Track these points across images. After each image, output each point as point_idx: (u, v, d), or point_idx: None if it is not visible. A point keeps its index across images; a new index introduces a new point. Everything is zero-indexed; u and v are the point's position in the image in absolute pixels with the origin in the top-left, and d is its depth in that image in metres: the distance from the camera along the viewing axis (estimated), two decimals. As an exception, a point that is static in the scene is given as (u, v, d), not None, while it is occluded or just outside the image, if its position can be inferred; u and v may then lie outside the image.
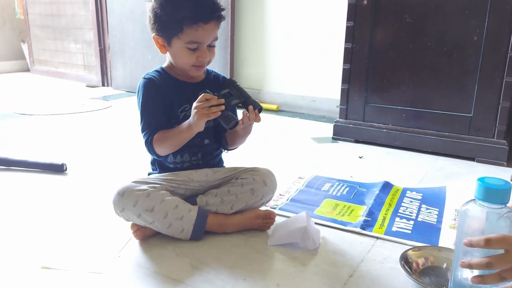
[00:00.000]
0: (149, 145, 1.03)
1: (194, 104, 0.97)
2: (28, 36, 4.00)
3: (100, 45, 3.38)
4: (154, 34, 1.05)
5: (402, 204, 1.28)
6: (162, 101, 1.06)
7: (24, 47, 4.13)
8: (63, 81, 3.69)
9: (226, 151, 1.19)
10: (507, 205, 0.68)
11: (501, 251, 0.64)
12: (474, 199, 0.70)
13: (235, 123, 1.00)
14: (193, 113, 0.97)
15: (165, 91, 1.06)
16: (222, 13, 1.03)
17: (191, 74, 1.08)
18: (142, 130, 1.05)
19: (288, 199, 1.30)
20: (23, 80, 3.80)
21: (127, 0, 3.05)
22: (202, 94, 0.97)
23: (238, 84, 1.06)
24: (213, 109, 0.95)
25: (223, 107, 0.97)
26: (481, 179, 0.69)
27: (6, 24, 4.12)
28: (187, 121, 1.01)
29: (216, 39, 1.05)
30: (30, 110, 2.53)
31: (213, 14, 1.00)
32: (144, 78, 1.07)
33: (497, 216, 0.68)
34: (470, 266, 0.66)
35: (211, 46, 1.05)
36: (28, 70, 4.20)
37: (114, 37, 3.23)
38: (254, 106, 1.01)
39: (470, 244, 0.64)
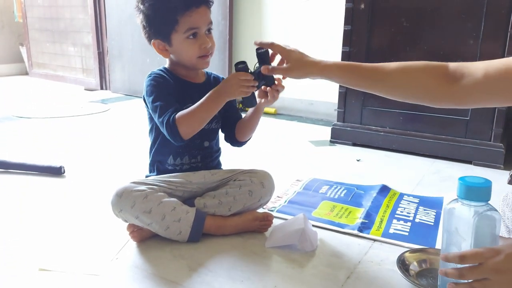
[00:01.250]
0: (172, 124, 0.97)
1: (234, 76, 0.97)
2: (27, 39, 4.01)
3: (98, 48, 3.39)
4: (153, 40, 1.06)
5: (400, 205, 1.29)
6: (172, 91, 1.06)
7: (23, 50, 4.14)
8: (62, 84, 3.70)
9: (237, 146, 1.18)
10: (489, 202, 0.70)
11: None
12: (457, 198, 0.71)
13: (253, 106, 1.07)
14: (230, 83, 0.98)
15: (172, 87, 1.07)
16: None
17: (199, 67, 1.10)
18: (160, 115, 1.00)
19: (285, 201, 1.30)
20: (22, 83, 3.81)
21: (126, 5, 3.06)
22: (243, 71, 0.98)
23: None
24: (250, 89, 0.98)
25: (254, 89, 1.00)
26: (462, 178, 0.71)
27: (5, 27, 4.13)
28: (212, 92, 0.99)
29: (211, 23, 1.07)
30: (29, 113, 2.53)
31: None
32: (150, 74, 1.08)
33: (478, 213, 0.69)
34: (446, 275, 0.68)
35: (208, 32, 1.07)
36: (26, 73, 4.21)
37: (113, 40, 3.24)
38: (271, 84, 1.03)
39: (446, 259, 0.68)
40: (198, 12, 1.02)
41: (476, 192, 0.69)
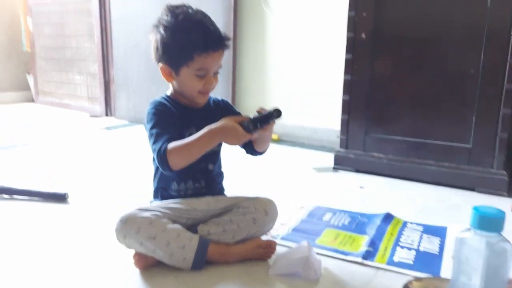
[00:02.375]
0: (162, 154, 0.98)
1: (235, 130, 0.98)
2: (34, 68, 4.08)
3: (104, 77, 3.45)
4: (161, 64, 1.08)
5: (403, 233, 1.28)
6: (172, 120, 1.07)
7: (30, 78, 4.21)
8: (67, 112, 3.74)
9: (257, 155, 1.18)
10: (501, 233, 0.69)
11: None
12: (469, 228, 0.71)
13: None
14: (229, 133, 0.99)
15: (175, 117, 1.08)
16: (228, 42, 1.08)
17: (197, 101, 1.12)
18: (153, 142, 1.01)
19: (289, 228, 1.30)
20: (27, 110, 3.85)
21: (132, 34, 3.13)
22: (244, 129, 0.99)
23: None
24: (243, 140, 1.01)
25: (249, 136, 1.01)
26: (476, 208, 0.71)
27: (13, 56, 4.21)
28: (208, 132, 0.99)
29: (220, 67, 1.10)
30: (34, 139, 2.55)
31: (221, 43, 1.06)
32: (152, 102, 1.10)
33: (491, 244, 0.69)
34: None
35: (215, 73, 1.10)
36: (32, 100, 4.26)
37: (119, 69, 3.30)
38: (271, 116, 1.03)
39: None
40: (213, 56, 1.05)
41: (489, 222, 0.69)
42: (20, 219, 1.38)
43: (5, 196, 1.56)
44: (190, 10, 1.07)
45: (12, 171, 1.92)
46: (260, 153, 1.16)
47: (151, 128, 1.04)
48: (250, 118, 1.01)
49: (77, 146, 2.46)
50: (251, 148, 1.14)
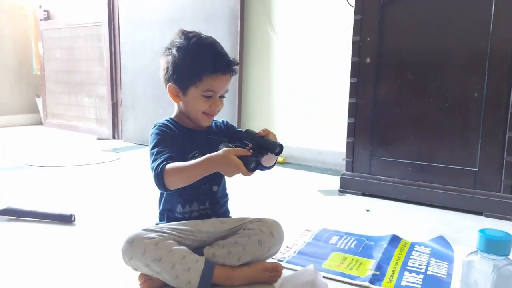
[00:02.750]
0: (160, 172, 0.98)
1: (235, 164, 0.95)
2: (43, 91, 4.16)
3: (112, 99, 3.50)
4: (170, 83, 1.11)
5: (411, 257, 1.27)
6: (175, 141, 1.08)
7: (39, 101, 4.28)
8: (75, 134, 3.78)
9: (265, 170, 1.17)
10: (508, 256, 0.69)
11: None
12: (476, 251, 0.71)
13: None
14: (229, 166, 0.96)
15: (177, 139, 1.10)
16: (236, 68, 1.12)
17: (201, 123, 1.14)
18: (153, 160, 1.02)
19: (295, 251, 1.29)
20: (36, 133, 3.90)
21: (140, 58, 3.20)
22: (246, 164, 0.96)
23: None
24: (244, 173, 0.97)
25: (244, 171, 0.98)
26: (482, 231, 0.71)
27: (23, 79, 4.30)
28: (208, 160, 0.98)
29: (227, 91, 1.13)
30: (41, 161, 2.58)
31: (230, 67, 1.10)
32: (156, 124, 1.13)
33: (498, 267, 0.68)
34: None
35: (221, 97, 1.13)
36: (41, 123, 4.32)
37: (127, 92, 3.35)
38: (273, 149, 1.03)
39: None
40: (221, 79, 1.08)
41: (496, 245, 0.69)
42: (27, 240, 1.39)
43: (12, 217, 1.57)
44: (202, 35, 1.12)
45: (19, 192, 1.94)
46: (269, 168, 1.16)
47: (152, 148, 1.07)
48: (254, 157, 0.99)
49: (84, 168, 2.48)
50: (260, 164, 1.14)
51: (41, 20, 4.02)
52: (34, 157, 2.72)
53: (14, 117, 4.25)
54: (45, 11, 3.98)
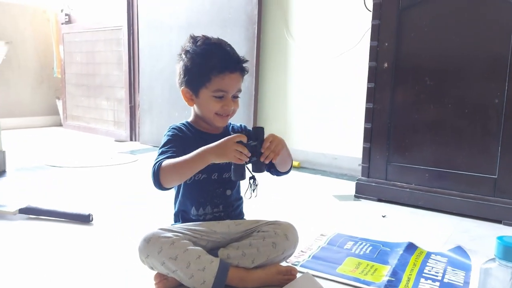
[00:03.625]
0: (156, 170, 0.99)
1: (232, 143, 0.96)
2: (64, 93, 4.24)
3: (130, 102, 3.55)
4: (183, 87, 1.13)
5: (427, 264, 1.25)
6: (184, 144, 1.09)
7: (59, 103, 4.36)
8: (93, 136, 3.84)
9: (281, 175, 1.18)
10: None
11: None
12: (494, 258, 0.70)
13: (241, 179, 1.03)
14: (222, 146, 0.97)
15: (189, 142, 1.10)
16: (246, 66, 1.12)
17: (216, 124, 1.14)
18: (156, 158, 1.03)
19: (310, 256, 1.29)
20: (55, 134, 3.98)
21: (158, 61, 3.24)
22: (240, 140, 0.97)
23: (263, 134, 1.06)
24: (242, 158, 0.97)
25: (246, 159, 0.99)
26: (500, 238, 0.69)
27: (44, 82, 4.40)
28: (202, 151, 0.98)
29: (240, 91, 1.13)
30: (61, 162, 2.63)
31: (238, 65, 1.10)
32: (170, 127, 1.14)
33: None
34: None
35: (235, 97, 1.13)
36: (60, 125, 4.41)
37: (144, 95, 3.39)
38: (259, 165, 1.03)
39: None
40: (230, 78, 1.08)
41: None
42: (45, 239, 1.42)
43: (32, 216, 1.60)
44: (210, 37, 1.13)
45: (39, 192, 1.98)
46: (285, 173, 1.17)
47: (160, 148, 1.08)
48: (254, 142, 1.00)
49: (101, 169, 2.52)
50: (275, 170, 1.16)
51: (62, 24, 4.11)
52: (54, 158, 2.77)
53: (35, 119, 4.34)
54: (66, 15, 4.07)
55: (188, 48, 1.11)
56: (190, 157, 0.99)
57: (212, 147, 0.98)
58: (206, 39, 1.12)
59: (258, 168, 1.04)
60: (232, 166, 1.01)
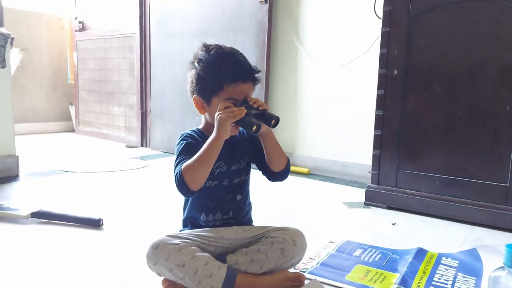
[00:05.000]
0: (179, 177, 1.01)
1: (217, 113, 1.02)
2: (77, 99, 4.30)
3: (142, 108, 3.59)
4: (195, 95, 1.13)
5: (437, 272, 1.24)
6: (198, 149, 1.08)
7: (72, 109, 4.43)
8: (105, 141, 3.89)
9: (278, 179, 1.17)
10: None
11: None
12: (503, 266, 0.69)
13: (258, 126, 1.04)
14: (217, 120, 1.02)
15: (200, 146, 1.12)
16: (258, 76, 1.12)
17: None
18: (174, 171, 1.05)
19: (318, 263, 1.29)
20: (68, 139, 4.03)
21: (170, 68, 3.27)
22: (221, 103, 1.04)
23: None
24: (236, 112, 1.02)
25: (245, 110, 1.03)
26: (509, 246, 0.69)
27: (58, 88, 4.47)
28: (211, 136, 1.03)
29: None
30: (72, 167, 2.66)
31: (251, 75, 1.10)
32: (182, 134, 1.15)
33: None
34: None
35: None
36: (73, 130, 4.46)
37: (156, 101, 3.43)
38: (270, 117, 1.08)
39: None
40: (243, 87, 1.09)
41: None
42: (56, 242, 1.43)
43: (44, 220, 1.63)
44: (222, 46, 1.14)
45: (51, 196, 2.01)
46: (280, 176, 1.16)
47: (176, 158, 1.09)
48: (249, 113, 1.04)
49: (112, 174, 2.54)
50: (268, 170, 1.15)
51: (76, 31, 4.18)
52: (66, 163, 2.80)
53: (48, 124, 4.41)
54: (80, 22, 4.14)
55: (201, 57, 1.12)
56: (203, 149, 1.02)
57: (215, 129, 1.03)
58: (219, 48, 1.12)
59: (250, 125, 1.04)
60: (240, 128, 1.07)
